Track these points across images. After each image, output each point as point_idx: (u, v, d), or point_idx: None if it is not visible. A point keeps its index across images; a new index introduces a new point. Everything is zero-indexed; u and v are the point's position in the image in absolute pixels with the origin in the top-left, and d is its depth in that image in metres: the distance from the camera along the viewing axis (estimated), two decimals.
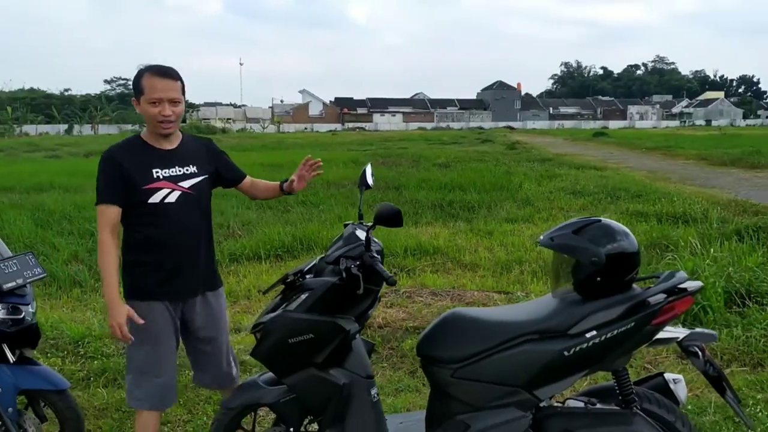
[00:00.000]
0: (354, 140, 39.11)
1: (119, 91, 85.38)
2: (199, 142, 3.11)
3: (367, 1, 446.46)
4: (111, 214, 2.75)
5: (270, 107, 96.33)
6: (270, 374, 2.88)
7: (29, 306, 3.05)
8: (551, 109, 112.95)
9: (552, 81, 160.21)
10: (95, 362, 4.42)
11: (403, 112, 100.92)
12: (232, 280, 6.76)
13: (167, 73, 2.79)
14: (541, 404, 2.61)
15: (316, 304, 2.65)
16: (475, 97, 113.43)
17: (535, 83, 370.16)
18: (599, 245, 2.51)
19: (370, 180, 3.08)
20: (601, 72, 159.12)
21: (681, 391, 2.71)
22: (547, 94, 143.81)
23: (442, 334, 2.72)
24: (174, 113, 2.80)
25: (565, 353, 2.49)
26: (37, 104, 73.97)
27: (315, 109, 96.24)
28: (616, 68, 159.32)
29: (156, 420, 3.03)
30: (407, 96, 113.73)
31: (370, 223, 2.87)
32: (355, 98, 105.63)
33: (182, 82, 2.84)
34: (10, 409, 2.95)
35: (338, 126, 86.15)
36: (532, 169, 17.92)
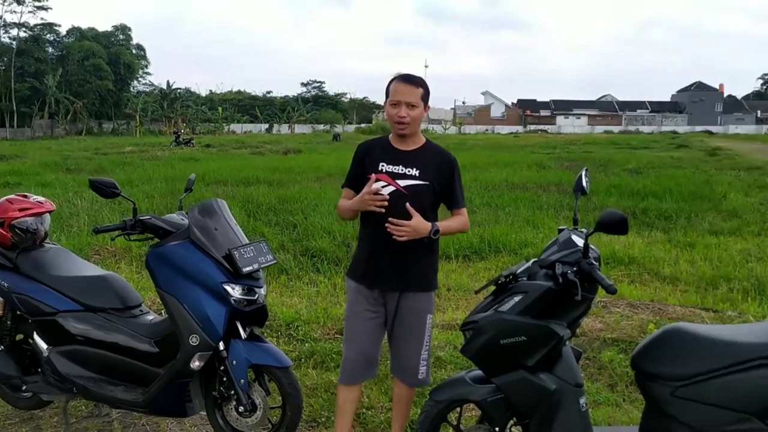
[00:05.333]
0: (536, 143, 38.09)
1: (313, 93, 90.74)
2: (439, 153, 3.12)
3: (555, 0, 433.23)
4: (346, 195, 3.20)
5: (452, 108, 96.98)
6: (477, 372, 2.93)
7: (262, 289, 3.39)
8: (759, 112, 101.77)
9: (761, 81, 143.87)
10: (305, 345, 4.78)
11: (588, 115, 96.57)
12: None
13: (409, 80, 3.01)
14: None
15: (530, 307, 2.66)
16: (669, 100, 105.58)
17: (740, 84, 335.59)
18: None
19: (585, 185, 3.04)
20: None
21: None
22: (756, 95, 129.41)
23: (663, 349, 2.61)
24: (409, 115, 2.98)
25: None
26: (243, 105, 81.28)
27: (497, 111, 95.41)
28: None
29: (345, 395, 3.23)
30: (593, 98, 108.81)
31: (584, 229, 2.83)
32: (538, 100, 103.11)
33: (425, 90, 3.03)
34: (242, 381, 3.28)
35: (519, 128, 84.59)
36: (738, 178, 16.40)
